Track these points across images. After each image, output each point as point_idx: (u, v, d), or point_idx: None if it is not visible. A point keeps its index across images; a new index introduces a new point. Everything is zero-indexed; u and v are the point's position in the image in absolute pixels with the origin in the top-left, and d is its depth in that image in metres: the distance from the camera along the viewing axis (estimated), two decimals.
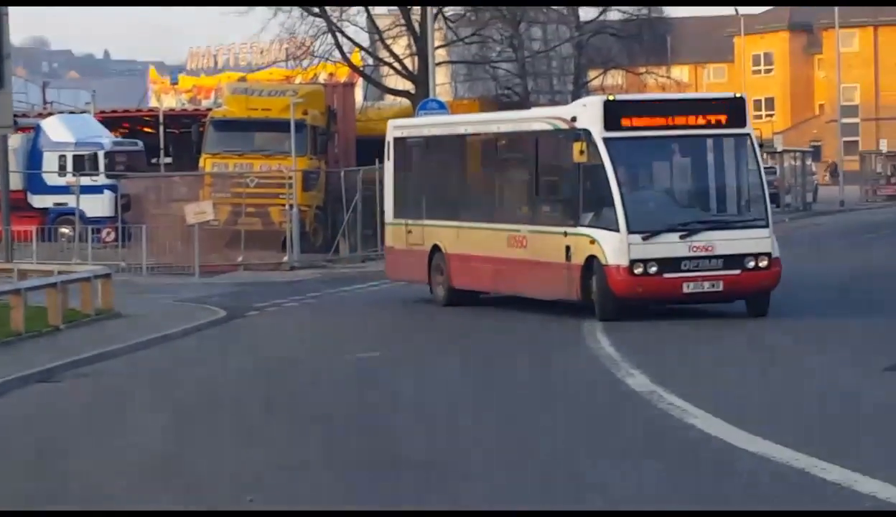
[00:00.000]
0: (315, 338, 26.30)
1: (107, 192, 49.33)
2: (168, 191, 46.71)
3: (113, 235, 47.00)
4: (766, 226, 24.91)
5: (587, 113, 24.95)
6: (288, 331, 28.23)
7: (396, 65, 55.77)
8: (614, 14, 63.12)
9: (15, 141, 46.77)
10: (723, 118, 25.32)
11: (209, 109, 53.22)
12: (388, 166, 32.40)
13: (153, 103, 74.08)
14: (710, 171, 26.33)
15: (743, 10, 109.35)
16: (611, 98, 25.69)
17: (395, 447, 15.76)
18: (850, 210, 75.31)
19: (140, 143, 54.52)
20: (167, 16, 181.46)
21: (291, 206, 43.57)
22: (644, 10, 63.37)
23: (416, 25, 52.80)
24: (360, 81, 59.23)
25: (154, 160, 54.81)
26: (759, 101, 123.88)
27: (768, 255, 24.58)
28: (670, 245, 24.25)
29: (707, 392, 17.83)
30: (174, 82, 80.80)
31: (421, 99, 48.49)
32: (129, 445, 16.34)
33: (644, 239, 24.03)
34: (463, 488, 13.67)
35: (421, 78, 51.34)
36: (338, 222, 46.04)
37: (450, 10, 56.05)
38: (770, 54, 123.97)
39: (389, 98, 57.82)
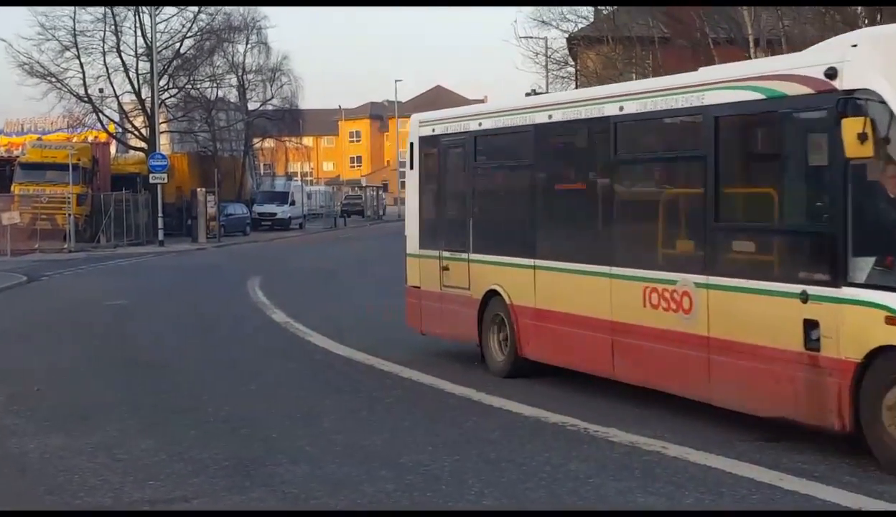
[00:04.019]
0: (85, 292, 25.39)
1: None
2: None
3: None
4: None
5: (870, 59, 7.22)
6: (68, 288, 27.14)
7: (136, 132, 54.75)
8: (269, 107, 63.22)
9: None
10: None
11: (18, 157, 50.95)
12: (412, 177, 13.94)
13: None
14: None
15: (344, 105, 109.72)
16: None
17: (133, 353, 15.51)
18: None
19: None
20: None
21: (70, 214, 42.38)
22: (287, 105, 63.60)
23: (149, 110, 51.79)
24: (113, 141, 57.75)
25: None
26: (353, 157, 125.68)
27: None
28: None
29: (319, 324, 17.79)
30: None
31: (151, 152, 48.44)
32: None
33: None
34: (172, 375, 13.53)
35: (151, 140, 50.63)
36: (99, 224, 45.00)
37: (169, 101, 55.32)
38: (359, 131, 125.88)
39: (132, 152, 56.42)
